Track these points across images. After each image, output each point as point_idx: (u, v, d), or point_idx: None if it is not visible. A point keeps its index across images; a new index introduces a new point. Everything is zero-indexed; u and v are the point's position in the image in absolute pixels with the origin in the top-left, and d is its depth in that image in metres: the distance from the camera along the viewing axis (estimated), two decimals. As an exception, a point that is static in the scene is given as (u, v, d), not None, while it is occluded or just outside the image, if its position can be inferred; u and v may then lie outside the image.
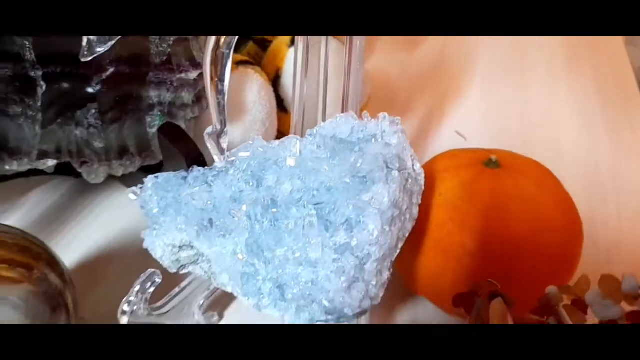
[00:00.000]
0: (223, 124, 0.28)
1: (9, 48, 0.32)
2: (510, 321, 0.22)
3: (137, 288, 0.30)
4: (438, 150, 0.38)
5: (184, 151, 0.32)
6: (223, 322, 0.36)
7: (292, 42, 0.44)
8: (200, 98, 0.34)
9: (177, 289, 0.32)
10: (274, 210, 0.27)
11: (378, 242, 0.26)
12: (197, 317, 0.35)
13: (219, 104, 0.27)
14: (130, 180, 0.41)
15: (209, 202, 0.29)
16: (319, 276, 0.26)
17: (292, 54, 0.44)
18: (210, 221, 0.28)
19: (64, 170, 0.37)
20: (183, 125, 0.34)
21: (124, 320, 0.30)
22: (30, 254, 0.26)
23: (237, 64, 0.39)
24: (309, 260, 0.26)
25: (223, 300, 0.37)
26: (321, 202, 0.27)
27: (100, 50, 0.28)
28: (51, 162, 0.35)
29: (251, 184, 0.28)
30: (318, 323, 0.28)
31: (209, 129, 0.29)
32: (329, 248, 0.26)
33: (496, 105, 0.61)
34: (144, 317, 0.30)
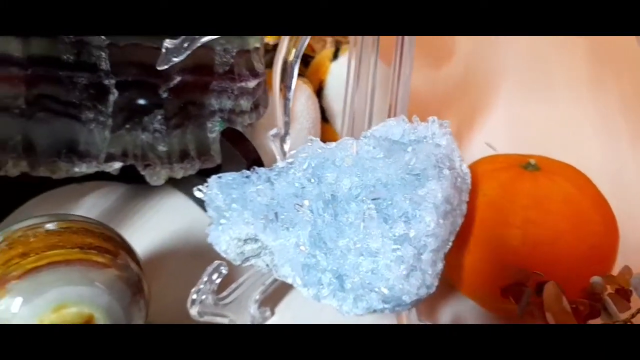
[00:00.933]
0: (287, 127, 0.31)
1: (86, 58, 0.35)
2: (565, 302, 0.24)
3: (205, 278, 0.32)
4: (470, 160, 0.40)
5: (244, 154, 0.35)
6: (275, 317, 0.38)
7: (335, 57, 0.47)
8: (257, 105, 0.37)
9: (236, 283, 0.34)
10: (334, 204, 0.29)
11: (434, 233, 0.28)
12: (252, 312, 0.37)
13: (284, 108, 0.30)
14: (182, 184, 0.43)
15: (272, 199, 0.31)
16: (379, 265, 0.28)
17: (335, 68, 0.47)
18: (276, 215, 0.30)
19: (126, 172, 0.39)
20: (240, 131, 0.37)
21: (193, 309, 0.32)
22: (113, 243, 0.28)
23: (287, 75, 0.41)
24: (369, 250, 0.28)
25: (275, 296, 0.39)
26: (379, 197, 0.29)
27: (176, 59, 0.30)
28: (117, 165, 0.38)
29: (312, 181, 0.30)
30: (375, 310, 0.30)
31: (273, 131, 0.31)
32: (388, 239, 0.28)
33: (522, 119, 0.63)
34: (211, 306, 0.33)
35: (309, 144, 0.32)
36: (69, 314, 0.25)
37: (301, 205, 0.30)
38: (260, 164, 0.36)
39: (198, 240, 0.45)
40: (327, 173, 0.30)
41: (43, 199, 0.46)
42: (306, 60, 0.49)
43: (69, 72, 0.35)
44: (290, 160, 0.32)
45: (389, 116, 0.37)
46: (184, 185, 0.43)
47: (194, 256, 0.45)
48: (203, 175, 0.40)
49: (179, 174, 0.38)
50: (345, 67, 0.44)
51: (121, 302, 0.27)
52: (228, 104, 0.36)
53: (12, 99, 0.35)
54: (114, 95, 0.35)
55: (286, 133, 0.31)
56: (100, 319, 0.26)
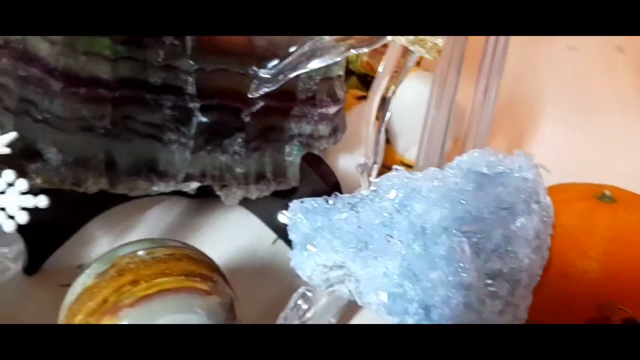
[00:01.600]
0: (375, 158, 0.31)
1: (173, 82, 0.35)
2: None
3: (292, 304, 0.33)
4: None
5: (324, 178, 0.35)
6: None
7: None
8: (335, 131, 0.38)
9: (316, 307, 0.35)
10: (424, 236, 0.30)
11: (527, 269, 0.28)
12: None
13: (377, 140, 0.30)
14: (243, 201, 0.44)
15: (359, 227, 0.32)
16: (472, 299, 0.29)
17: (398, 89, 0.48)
18: (366, 244, 0.31)
19: (201, 191, 0.40)
20: (320, 156, 0.37)
21: None
22: (211, 269, 0.29)
23: (357, 98, 0.42)
24: (462, 283, 0.29)
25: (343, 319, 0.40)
26: (470, 230, 0.29)
27: (267, 90, 0.31)
28: (194, 185, 0.39)
29: (401, 212, 0.31)
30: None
31: (361, 160, 0.32)
32: (482, 273, 0.28)
33: (569, 141, 0.63)
34: None
35: (394, 172, 0.33)
36: (178, 342, 0.26)
37: (392, 237, 0.30)
38: (338, 188, 0.36)
39: (263, 257, 0.46)
40: (415, 204, 0.31)
41: (111, 214, 0.47)
42: (366, 80, 0.50)
43: (155, 94, 0.36)
44: (373, 188, 0.33)
45: (463, 144, 0.37)
46: (250, 202, 0.43)
47: (260, 273, 0.45)
48: (277, 196, 0.41)
49: (254, 194, 0.39)
50: (409, 88, 0.45)
51: (223, 328, 0.28)
52: (307, 128, 0.37)
53: (98, 119, 0.36)
54: (197, 118, 0.36)
55: (374, 163, 0.32)
56: (205, 346, 0.26)
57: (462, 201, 0.30)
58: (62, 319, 0.27)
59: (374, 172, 0.32)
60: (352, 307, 0.40)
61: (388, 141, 0.48)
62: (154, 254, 0.28)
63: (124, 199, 0.48)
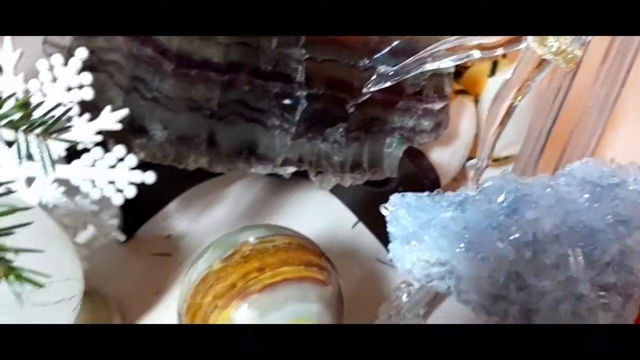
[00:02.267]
0: (488, 161, 0.31)
1: (283, 69, 0.36)
2: None
3: (395, 297, 0.33)
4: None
5: (424, 173, 0.36)
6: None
7: (492, 73, 0.47)
8: (438, 126, 0.38)
9: (410, 298, 0.36)
10: (534, 243, 0.30)
11: (640, 284, 0.28)
12: (415, 321, 0.38)
13: (494, 144, 0.30)
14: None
15: (464, 227, 0.32)
16: (582, 309, 0.29)
17: (492, 84, 0.47)
18: (472, 245, 0.31)
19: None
20: (421, 150, 0.38)
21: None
22: (324, 259, 0.30)
23: (455, 92, 0.42)
24: (573, 293, 0.29)
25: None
26: (583, 241, 0.30)
27: (384, 85, 0.31)
28: (291, 169, 0.39)
29: (510, 217, 0.31)
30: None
31: (472, 162, 0.32)
32: (595, 285, 0.29)
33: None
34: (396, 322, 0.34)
35: (503, 175, 0.33)
36: (300, 330, 0.27)
37: (502, 241, 0.31)
38: (438, 184, 0.37)
39: (343, 241, 0.47)
40: (526, 210, 0.31)
41: (198, 189, 0.48)
42: (458, 71, 0.49)
43: (263, 80, 0.36)
44: (480, 189, 0.33)
45: (563, 149, 0.37)
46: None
47: (340, 256, 0.46)
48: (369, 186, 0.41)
49: (348, 182, 0.39)
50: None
51: (337, 317, 0.29)
52: (410, 122, 0.37)
53: (206, 101, 0.37)
54: (302, 106, 0.36)
55: (485, 167, 0.32)
56: (322, 335, 0.28)
57: (575, 211, 0.30)
58: (186, 297, 0.28)
59: (484, 174, 0.32)
60: (438, 298, 0.41)
61: (477, 136, 0.47)
62: (274, 242, 0.29)
63: (212, 175, 0.49)
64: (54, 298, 0.28)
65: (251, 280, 0.27)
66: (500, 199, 0.32)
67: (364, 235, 0.47)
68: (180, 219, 0.48)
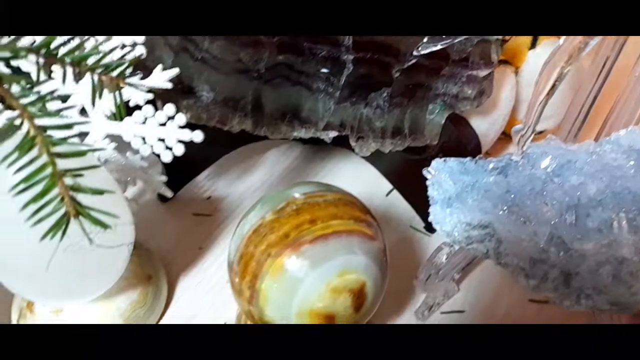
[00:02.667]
0: (533, 129, 0.32)
1: (331, 33, 0.36)
2: None
3: (434, 258, 0.34)
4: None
5: (467, 139, 0.36)
6: (459, 294, 0.41)
7: (533, 45, 0.47)
8: (481, 94, 0.38)
9: (449, 263, 0.37)
10: (577, 207, 0.31)
11: (683, 250, 0.29)
12: (446, 287, 0.39)
13: (542, 110, 0.31)
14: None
15: (507, 191, 0.33)
16: (622, 272, 0.30)
17: (532, 57, 0.47)
18: (515, 208, 0.32)
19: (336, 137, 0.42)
20: (464, 117, 0.38)
21: (420, 285, 0.35)
22: (371, 215, 0.31)
23: (498, 62, 0.42)
24: (615, 257, 0.30)
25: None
26: (628, 206, 0.30)
27: (434, 49, 0.32)
28: (332, 134, 0.40)
29: (554, 181, 0.32)
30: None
31: (518, 127, 0.33)
32: (638, 249, 0.29)
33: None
34: (432, 283, 0.35)
35: (547, 141, 0.33)
36: (350, 280, 0.28)
37: (546, 204, 0.31)
38: (479, 151, 0.37)
39: (378, 207, 0.48)
40: (570, 175, 0.32)
41: (235, 152, 0.49)
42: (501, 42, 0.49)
43: (312, 44, 0.37)
44: (523, 155, 0.34)
45: (607, 119, 0.37)
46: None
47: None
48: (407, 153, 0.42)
49: (388, 148, 0.40)
50: (544, 57, 0.44)
51: (382, 272, 0.30)
52: (454, 89, 0.38)
53: (254, 63, 0.37)
54: (348, 70, 0.37)
55: (533, 132, 0.32)
56: (370, 286, 0.29)
57: (621, 177, 0.31)
58: (238, 247, 0.29)
59: (529, 140, 0.33)
60: (472, 265, 0.42)
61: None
62: (324, 197, 0.29)
63: (250, 140, 0.51)
64: (114, 242, 0.29)
65: (304, 231, 0.28)
66: (544, 164, 0.32)
67: (398, 203, 0.48)
68: (219, 182, 0.49)
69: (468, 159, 0.35)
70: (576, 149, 0.32)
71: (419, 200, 0.39)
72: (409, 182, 0.45)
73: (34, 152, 0.23)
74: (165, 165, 0.45)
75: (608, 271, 0.30)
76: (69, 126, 0.24)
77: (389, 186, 0.48)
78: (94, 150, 0.31)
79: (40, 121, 0.23)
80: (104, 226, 0.26)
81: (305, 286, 0.27)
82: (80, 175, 0.25)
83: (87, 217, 0.25)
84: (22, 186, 0.23)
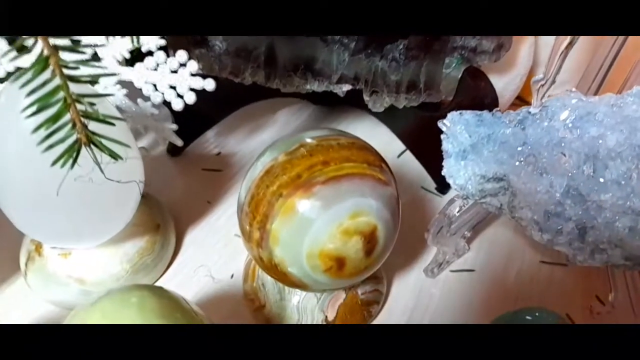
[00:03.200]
0: (553, 79, 0.31)
1: (347, -20, 0.35)
2: None
3: (446, 211, 0.34)
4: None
5: (484, 93, 0.35)
6: (470, 253, 0.40)
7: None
8: (500, 47, 0.37)
9: (461, 219, 0.36)
10: (595, 159, 0.30)
11: None
12: (457, 245, 0.39)
13: (562, 62, 0.30)
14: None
15: (524, 143, 0.32)
16: (639, 224, 0.29)
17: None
18: (533, 159, 0.31)
19: (348, 97, 0.41)
20: (482, 70, 0.37)
21: (430, 238, 0.34)
22: (384, 162, 0.30)
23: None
24: (632, 209, 0.29)
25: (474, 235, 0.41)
26: (647, 158, 0.29)
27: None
28: (346, 88, 0.39)
29: (572, 133, 0.31)
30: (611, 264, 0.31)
31: (537, 77, 0.32)
32: (657, 201, 0.29)
33: None
34: (443, 237, 0.35)
35: (567, 93, 0.33)
36: (361, 222, 0.27)
37: (564, 155, 0.31)
38: (496, 104, 0.36)
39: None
40: (590, 127, 0.31)
41: (245, 111, 0.49)
42: None
43: (328, -9, 0.36)
44: (542, 107, 0.33)
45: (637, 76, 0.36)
46: (383, 112, 0.44)
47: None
48: (422, 110, 0.41)
49: (402, 103, 0.39)
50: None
51: (394, 218, 0.29)
52: (472, 42, 0.37)
53: (268, 12, 0.37)
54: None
55: (552, 82, 0.31)
56: (381, 230, 0.28)
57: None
58: (249, 188, 0.29)
59: (549, 90, 0.32)
60: (484, 223, 0.41)
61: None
62: (338, 140, 0.29)
63: (261, 97, 0.50)
64: (125, 177, 0.29)
65: (316, 172, 0.27)
66: (564, 116, 0.32)
67: (410, 164, 0.47)
68: (229, 138, 0.48)
69: (485, 112, 0.34)
70: (596, 101, 0.32)
71: (432, 161, 0.39)
72: (422, 142, 0.44)
73: (47, 75, 0.22)
74: (181, 114, 0.45)
75: (624, 223, 0.29)
76: (83, 61, 0.24)
77: (402, 148, 0.48)
78: (107, 75, 0.30)
79: (55, 41, 0.22)
80: (116, 156, 0.26)
81: (316, 227, 0.27)
82: (93, 104, 0.25)
83: (99, 145, 0.25)
84: (34, 108, 0.22)
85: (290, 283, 0.30)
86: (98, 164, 0.25)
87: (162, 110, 0.44)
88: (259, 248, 0.29)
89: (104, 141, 0.25)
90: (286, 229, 0.27)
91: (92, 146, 0.25)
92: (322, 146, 0.28)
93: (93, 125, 0.24)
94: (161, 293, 0.26)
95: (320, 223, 0.27)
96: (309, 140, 0.29)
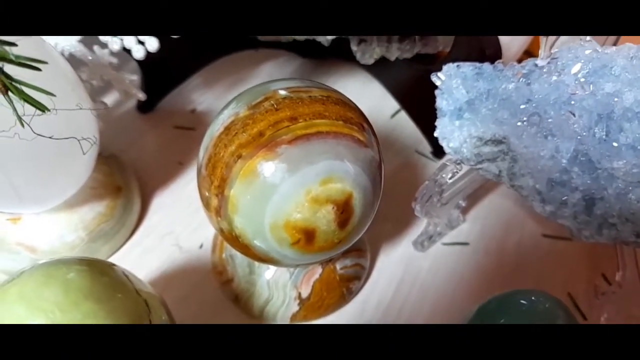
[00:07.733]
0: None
1: None
2: None
3: (434, 178, 0.30)
4: None
5: (485, 42, 0.31)
6: (464, 225, 0.37)
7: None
8: None
9: (453, 188, 0.32)
10: (609, 120, 0.26)
11: None
12: (452, 215, 0.35)
13: None
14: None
15: (529, 100, 0.28)
16: (658, 196, 0.25)
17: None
18: (538, 118, 0.27)
19: (336, 49, 0.37)
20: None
21: (418, 207, 0.31)
22: (365, 119, 0.26)
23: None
24: (650, 178, 0.25)
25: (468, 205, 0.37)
26: (671, 119, 0.25)
27: None
28: (330, 37, 0.35)
29: (585, 89, 0.27)
30: (619, 241, 0.28)
31: (546, 23, 0.27)
32: (679, 169, 0.24)
33: None
34: (433, 206, 0.31)
35: (580, 43, 0.28)
36: (334, 189, 0.24)
37: (573, 114, 0.26)
38: (499, 57, 0.32)
39: (381, 129, 0.43)
40: (605, 82, 0.27)
41: (222, 62, 0.44)
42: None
43: None
44: (551, 59, 0.28)
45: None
46: (376, 66, 0.39)
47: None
48: (415, 61, 0.37)
49: (394, 55, 0.35)
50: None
51: (374, 185, 0.25)
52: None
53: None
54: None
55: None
56: (357, 199, 0.24)
57: (665, 85, 0.25)
58: (207, 148, 0.25)
59: (558, 40, 0.28)
60: (481, 191, 0.38)
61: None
62: (310, 92, 0.25)
63: (239, 47, 0.45)
64: (61, 134, 0.25)
65: (282, 130, 0.23)
66: (575, 69, 0.27)
67: (404, 125, 0.43)
68: (206, 94, 0.44)
69: (486, 64, 0.30)
70: (614, 52, 0.27)
71: (427, 121, 0.34)
72: (418, 100, 0.40)
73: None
74: (143, 70, 0.40)
75: (638, 195, 0.25)
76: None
77: (396, 107, 0.43)
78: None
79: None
80: (41, 108, 0.22)
81: (281, 193, 0.23)
82: (13, 44, 0.21)
83: (17, 93, 0.21)
84: None
85: (256, 257, 0.26)
86: (18, 115, 0.21)
87: (130, 63, 0.40)
88: (218, 217, 0.25)
89: (26, 89, 0.21)
90: (246, 195, 0.24)
91: (9, 94, 0.21)
92: (290, 99, 0.24)
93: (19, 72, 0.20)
94: (101, 269, 0.23)
95: (286, 189, 0.23)
96: (276, 92, 0.25)
